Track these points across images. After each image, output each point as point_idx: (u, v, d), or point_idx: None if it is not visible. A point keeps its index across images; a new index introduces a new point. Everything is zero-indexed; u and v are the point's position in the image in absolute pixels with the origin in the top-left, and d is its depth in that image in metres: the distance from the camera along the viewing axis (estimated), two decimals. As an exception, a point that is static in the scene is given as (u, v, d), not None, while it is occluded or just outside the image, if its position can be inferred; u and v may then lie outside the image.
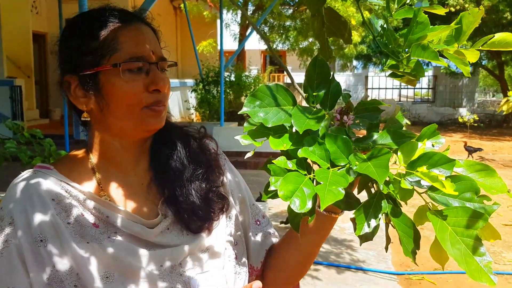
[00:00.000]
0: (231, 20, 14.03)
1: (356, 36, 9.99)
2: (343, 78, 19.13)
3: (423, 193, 0.71)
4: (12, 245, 0.77)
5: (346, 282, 3.70)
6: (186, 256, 0.85)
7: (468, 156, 9.28)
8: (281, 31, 12.55)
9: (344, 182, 0.67)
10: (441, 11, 0.82)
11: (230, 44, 15.90)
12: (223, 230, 0.92)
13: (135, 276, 0.80)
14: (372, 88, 19.75)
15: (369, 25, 0.81)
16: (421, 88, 22.73)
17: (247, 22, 11.04)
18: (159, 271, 0.82)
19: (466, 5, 12.46)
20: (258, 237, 1.00)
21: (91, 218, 0.81)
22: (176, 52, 14.56)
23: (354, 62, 20.54)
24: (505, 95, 12.00)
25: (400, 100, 19.70)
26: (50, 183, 0.82)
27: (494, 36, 0.74)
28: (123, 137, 0.86)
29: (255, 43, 16.08)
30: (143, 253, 0.81)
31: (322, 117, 0.75)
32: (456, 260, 0.63)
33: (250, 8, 12.34)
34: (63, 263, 0.77)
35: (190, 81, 11.40)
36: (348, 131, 0.77)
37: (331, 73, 0.80)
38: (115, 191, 0.86)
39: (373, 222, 0.68)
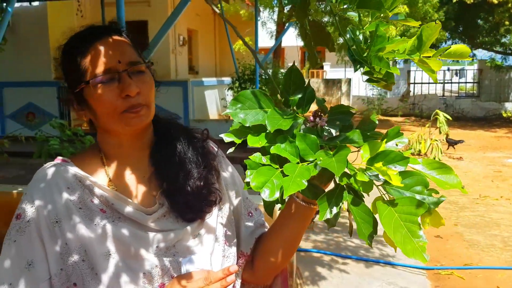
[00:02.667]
0: (267, 18, 14.12)
1: (394, 31, 9.85)
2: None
3: (379, 185, 0.80)
4: (32, 224, 0.92)
5: (373, 276, 3.75)
6: (179, 240, 0.98)
7: (448, 147, 9.22)
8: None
9: (307, 174, 0.76)
10: (414, 23, 0.91)
11: (266, 41, 16.00)
12: (214, 219, 1.04)
13: (133, 255, 0.93)
14: (415, 83, 19.32)
15: (344, 36, 0.89)
16: (466, 83, 22.01)
17: (283, 19, 11.09)
18: (155, 252, 0.95)
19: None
20: (249, 227, 1.12)
21: (99, 205, 0.95)
22: (215, 51, 14.82)
23: (395, 57, 20.11)
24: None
25: (443, 95, 19.17)
26: (66, 174, 0.97)
27: (450, 47, 0.82)
28: (120, 136, 1.00)
29: (293, 40, 16.09)
30: (142, 235, 0.95)
31: (294, 118, 0.85)
32: (395, 241, 0.73)
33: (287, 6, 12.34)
34: (73, 241, 0.91)
35: (227, 79, 11.61)
36: (320, 131, 0.87)
37: (306, 80, 0.91)
38: (121, 182, 1.00)
39: (334, 210, 0.77)
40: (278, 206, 0.92)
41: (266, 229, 1.14)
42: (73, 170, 0.98)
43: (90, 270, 0.91)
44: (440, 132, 9.41)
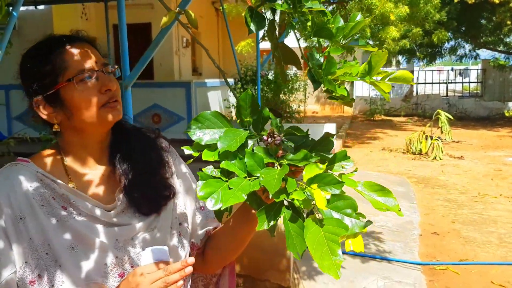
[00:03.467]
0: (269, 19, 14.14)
1: (394, 32, 9.91)
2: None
3: (313, 205, 0.86)
4: None
5: (369, 271, 3.84)
6: (137, 233, 1.05)
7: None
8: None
9: (248, 189, 0.84)
10: (373, 49, 0.99)
11: (268, 43, 16.07)
12: (169, 213, 1.12)
13: (94, 248, 1.00)
14: (418, 83, 19.35)
15: (308, 58, 0.98)
16: (470, 82, 22.01)
17: (285, 21, 11.16)
18: (114, 245, 1.02)
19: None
20: (201, 220, 1.21)
21: (60, 202, 1.01)
22: (218, 52, 14.93)
23: (399, 57, 20.16)
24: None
25: (447, 95, 19.19)
26: (28, 173, 1.02)
27: (395, 72, 0.92)
28: (87, 136, 1.07)
29: (295, 41, 16.16)
30: (101, 230, 1.02)
31: (249, 137, 0.94)
32: (314, 256, 0.79)
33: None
34: (37, 236, 0.97)
35: (230, 80, 11.72)
36: (271, 150, 0.94)
37: (260, 104, 0.99)
38: (81, 180, 1.06)
39: (271, 222, 0.84)
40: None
41: (217, 224, 1.22)
42: (34, 169, 1.03)
43: (54, 263, 0.97)
44: (441, 132, 9.47)
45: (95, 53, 1.07)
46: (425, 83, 19.37)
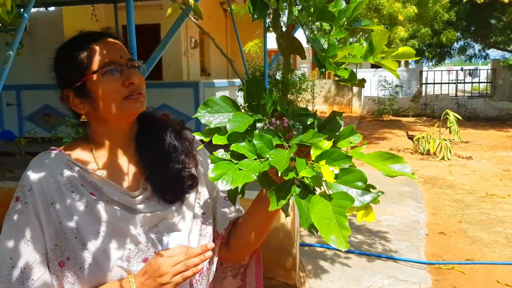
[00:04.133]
0: (277, 20, 14.15)
1: (402, 32, 9.89)
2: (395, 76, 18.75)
3: (323, 181, 0.88)
4: (30, 205, 1.03)
5: (375, 270, 3.86)
6: (160, 220, 1.10)
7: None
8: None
9: (258, 169, 0.87)
10: (377, 27, 1.02)
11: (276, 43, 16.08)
12: (192, 201, 1.17)
13: (120, 233, 1.05)
14: (427, 83, 19.24)
15: (311, 42, 1.01)
16: (479, 82, 21.83)
17: (292, 22, 11.17)
18: (139, 230, 1.07)
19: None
20: (225, 209, 1.25)
21: (89, 188, 1.07)
22: (226, 53, 14.95)
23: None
24: None
25: (456, 95, 19.07)
26: (59, 161, 1.09)
27: (397, 49, 0.94)
28: (113, 127, 1.12)
29: (303, 42, 16.16)
30: (127, 216, 1.07)
31: (258, 120, 0.97)
32: (320, 230, 0.81)
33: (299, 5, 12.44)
34: (66, 220, 1.03)
35: (238, 81, 11.76)
36: (281, 132, 0.97)
37: (266, 88, 1.02)
38: (109, 169, 1.12)
39: (281, 201, 0.87)
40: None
41: (241, 213, 1.27)
42: (65, 157, 1.10)
43: (81, 246, 1.02)
44: (450, 132, 9.44)
45: (121, 48, 1.13)
46: (434, 83, 19.27)
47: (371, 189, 0.88)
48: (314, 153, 0.88)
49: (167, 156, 1.16)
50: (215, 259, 1.24)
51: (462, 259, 4.12)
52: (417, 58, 0.99)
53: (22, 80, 9.95)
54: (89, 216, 1.04)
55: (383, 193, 0.90)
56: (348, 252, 4.18)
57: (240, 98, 11.64)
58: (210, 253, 1.05)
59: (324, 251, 4.22)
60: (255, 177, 0.87)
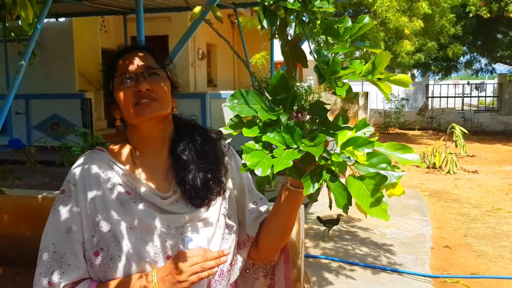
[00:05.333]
0: (284, 32, 14.26)
1: (408, 45, 9.96)
2: (402, 88, 18.76)
3: (351, 165, 0.98)
4: (73, 198, 1.16)
5: (380, 282, 3.85)
6: (186, 222, 1.18)
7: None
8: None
9: (292, 156, 0.93)
10: (377, 51, 1.07)
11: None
12: (218, 207, 1.23)
13: (149, 231, 1.14)
14: (433, 97, 19.26)
15: (314, 54, 1.05)
16: (486, 97, 21.84)
17: (299, 34, 11.27)
18: (166, 230, 1.15)
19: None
20: (254, 214, 1.32)
21: (125, 187, 1.18)
22: (233, 64, 15.10)
23: (414, 71, 20.10)
24: None
25: (462, 109, 19.06)
26: (101, 161, 1.21)
27: (396, 75, 1.00)
28: (143, 130, 1.21)
29: (308, 54, 16.24)
30: (156, 215, 1.16)
31: (281, 114, 1.02)
32: (363, 206, 0.92)
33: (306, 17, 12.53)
34: (103, 215, 1.14)
35: (244, 92, 11.82)
36: (301, 124, 1.03)
37: (289, 83, 1.07)
38: (144, 170, 1.22)
39: (316, 185, 0.95)
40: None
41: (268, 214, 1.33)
42: (107, 157, 1.22)
43: (114, 239, 1.12)
44: (456, 146, 9.44)
45: (145, 59, 1.23)
46: (440, 97, 19.27)
47: (395, 169, 0.97)
48: (339, 140, 0.96)
49: (198, 164, 1.22)
50: (239, 261, 1.30)
51: (467, 273, 4.11)
52: (410, 88, 1.05)
53: (31, 90, 10.08)
54: (123, 212, 1.14)
55: (405, 172, 0.99)
56: (353, 264, 4.18)
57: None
58: (225, 258, 1.12)
59: (329, 263, 4.23)
60: (291, 163, 0.92)
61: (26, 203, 4.04)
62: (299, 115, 1.05)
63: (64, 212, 1.15)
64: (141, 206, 1.15)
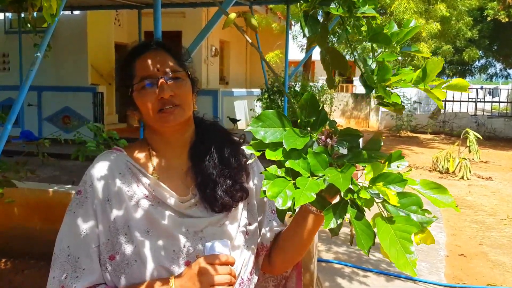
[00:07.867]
0: (298, 31, 14.26)
1: (425, 48, 9.83)
2: (414, 91, 18.57)
3: (379, 203, 0.87)
4: (89, 200, 1.10)
5: (394, 290, 3.76)
6: (206, 227, 1.13)
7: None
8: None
9: (316, 188, 0.84)
10: (427, 54, 1.02)
11: (297, 55, 16.12)
12: (239, 213, 1.19)
13: (167, 235, 1.09)
14: (446, 101, 19.02)
15: (358, 62, 0.98)
16: (499, 102, 21.55)
17: (343, 41, 11.19)
18: (184, 235, 1.10)
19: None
20: (271, 223, 1.26)
21: (143, 190, 1.13)
22: (245, 62, 15.03)
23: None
24: None
25: (475, 114, 18.83)
26: (119, 162, 1.15)
27: (451, 80, 0.92)
28: (163, 133, 1.16)
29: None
30: (174, 219, 1.11)
31: (308, 138, 0.94)
32: (390, 255, 0.80)
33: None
34: (120, 218, 1.09)
35: (256, 91, 11.76)
36: (329, 150, 0.95)
37: (320, 105, 0.99)
38: (163, 172, 1.16)
39: (338, 220, 0.85)
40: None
41: (285, 227, 1.26)
42: (125, 158, 1.16)
43: (130, 243, 1.07)
44: (469, 151, 9.29)
45: (161, 59, 1.15)
46: (453, 101, 19.03)
47: (426, 214, 0.87)
48: (370, 173, 0.86)
49: (219, 169, 1.17)
50: (258, 270, 1.25)
51: (484, 284, 4.01)
52: (468, 91, 0.99)
53: (43, 82, 10.08)
54: (140, 215, 1.10)
55: (437, 218, 0.88)
56: (366, 270, 4.09)
57: (258, 108, 11.64)
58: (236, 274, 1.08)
59: (342, 268, 4.14)
60: (314, 196, 0.83)
61: (37, 197, 4.01)
62: (328, 140, 0.97)
63: (79, 214, 1.10)
64: (159, 209, 1.11)
